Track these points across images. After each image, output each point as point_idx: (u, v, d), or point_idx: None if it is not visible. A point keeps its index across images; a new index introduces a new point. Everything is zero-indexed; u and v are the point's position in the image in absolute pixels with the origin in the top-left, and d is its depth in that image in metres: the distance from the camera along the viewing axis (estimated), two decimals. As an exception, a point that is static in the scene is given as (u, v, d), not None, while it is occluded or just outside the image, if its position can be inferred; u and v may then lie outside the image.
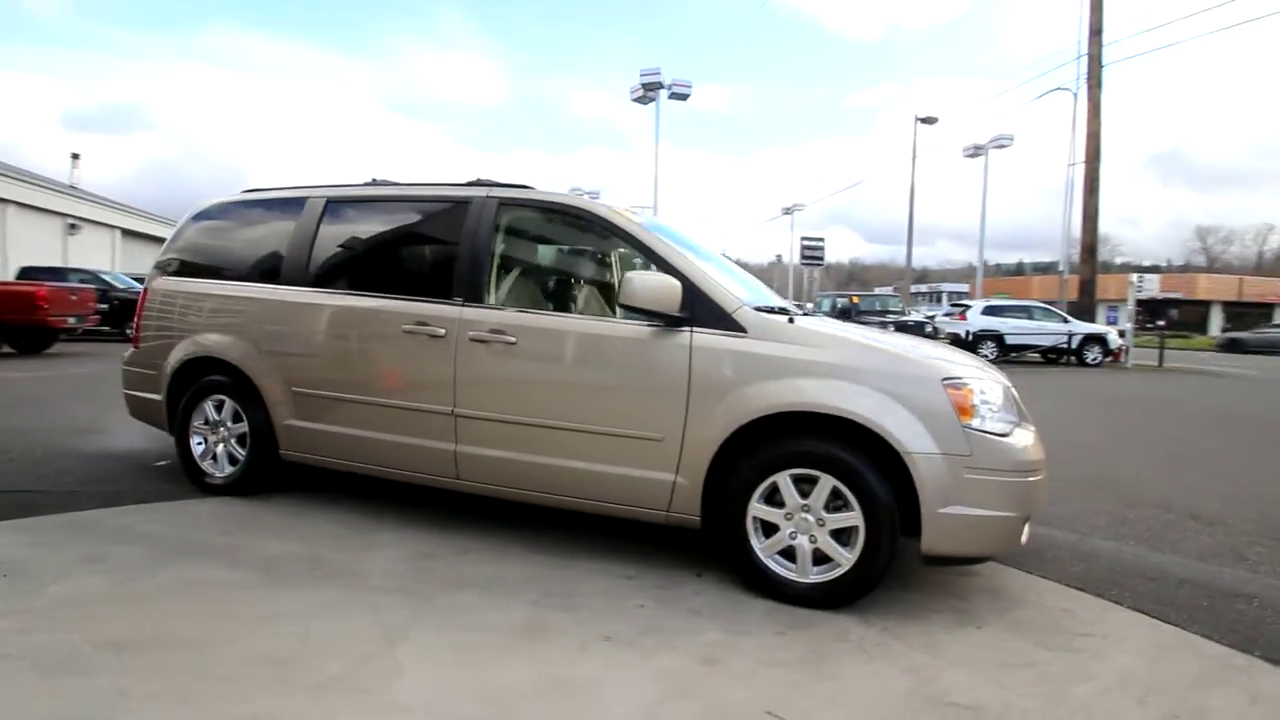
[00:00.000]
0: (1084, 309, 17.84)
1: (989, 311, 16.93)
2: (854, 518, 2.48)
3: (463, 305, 3.04)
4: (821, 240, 27.99)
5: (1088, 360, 16.15)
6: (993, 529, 2.45)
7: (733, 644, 2.26)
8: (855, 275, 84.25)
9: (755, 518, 2.61)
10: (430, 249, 3.42)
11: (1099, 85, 17.23)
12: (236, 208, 3.84)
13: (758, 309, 2.75)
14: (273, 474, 3.60)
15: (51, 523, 3.10)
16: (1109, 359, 16.29)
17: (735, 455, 2.63)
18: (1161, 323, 22.78)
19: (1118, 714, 1.96)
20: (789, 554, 2.59)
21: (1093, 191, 17.53)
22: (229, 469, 3.61)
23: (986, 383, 2.55)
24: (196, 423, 3.67)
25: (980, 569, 2.98)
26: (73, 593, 2.39)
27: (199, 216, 3.89)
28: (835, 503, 2.52)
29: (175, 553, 2.81)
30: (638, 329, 2.78)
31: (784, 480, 2.56)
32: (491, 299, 3.09)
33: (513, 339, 2.92)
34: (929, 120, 24.07)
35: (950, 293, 42.95)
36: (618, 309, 2.81)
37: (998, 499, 2.43)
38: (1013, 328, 16.43)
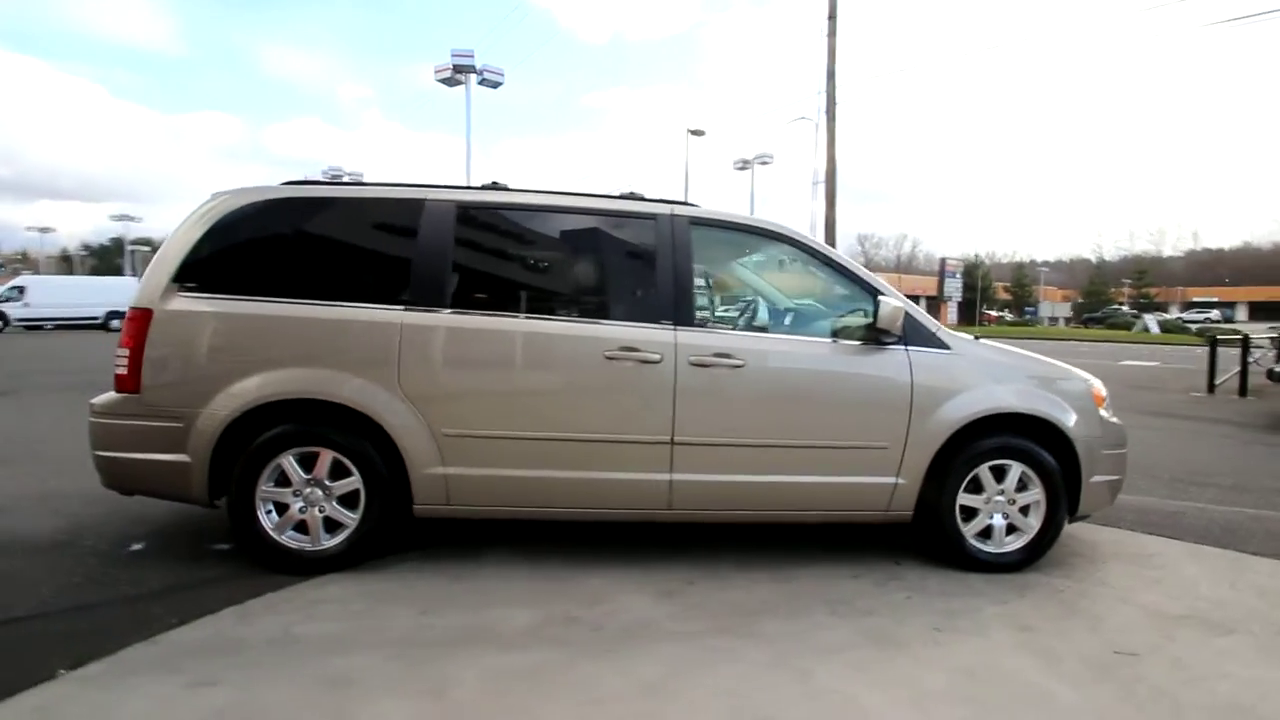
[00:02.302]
0: (827, 305, 21.84)
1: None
2: (1036, 494, 3.11)
3: (675, 328, 2.93)
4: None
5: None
6: (1110, 490, 3.29)
7: (1013, 613, 2.71)
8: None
9: (961, 505, 3.09)
10: (614, 268, 3.15)
11: (834, 118, 20.96)
12: (295, 206, 3.00)
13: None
14: (388, 536, 2.98)
15: (162, 654, 2.20)
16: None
17: (941, 455, 3.06)
18: None
19: (1240, 600, 2.88)
20: (984, 532, 3.12)
21: (831, 205, 21.35)
22: (330, 540, 2.87)
23: (1099, 380, 3.39)
24: (266, 486, 2.83)
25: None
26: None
27: (233, 215, 2.94)
28: (1019, 484, 3.12)
29: (414, 647, 2.27)
30: (861, 348, 3.03)
31: (984, 471, 3.09)
32: (699, 321, 3.02)
33: (740, 362, 2.93)
34: (698, 132, 26.96)
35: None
36: (833, 328, 3.04)
37: (1115, 467, 3.28)
38: None
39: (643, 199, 3.23)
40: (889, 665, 2.27)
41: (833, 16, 21.16)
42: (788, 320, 3.39)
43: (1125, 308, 42.44)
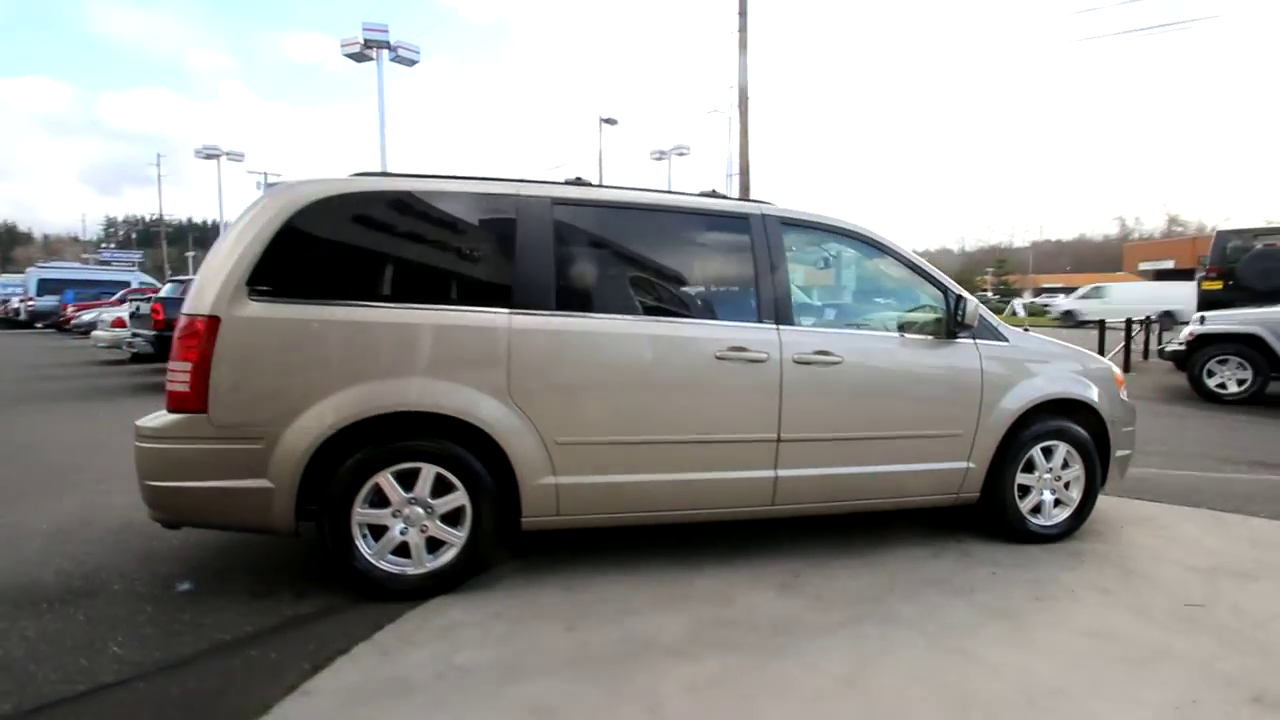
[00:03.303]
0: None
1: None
2: (1078, 470, 3.46)
3: (778, 327, 2.98)
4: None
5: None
6: (1125, 464, 3.72)
7: (1085, 578, 3.01)
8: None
9: (1018, 485, 3.38)
10: (713, 267, 3.12)
11: (747, 114, 21.62)
12: (375, 201, 2.72)
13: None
14: (495, 553, 2.82)
15: (327, 706, 1.99)
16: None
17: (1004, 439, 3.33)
18: None
19: (1241, 550, 3.35)
20: (1036, 508, 3.43)
21: (745, 197, 22.11)
22: (434, 561, 2.68)
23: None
24: (362, 508, 2.60)
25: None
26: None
27: (304, 211, 2.62)
28: (1063, 461, 3.45)
29: (592, 666, 2.19)
30: (938, 342, 3.22)
31: (1036, 452, 3.39)
32: (797, 320, 3.08)
33: (838, 358, 3.02)
34: (610, 121, 26.89)
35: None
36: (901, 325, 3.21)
37: (1129, 442, 3.71)
38: None
39: (725, 197, 3.24)
40: (1028, 635, 2.46)
41: (743, 13, 21.69)
42: (863, 317, 3.53)
43: (990, 293, 47.25)
